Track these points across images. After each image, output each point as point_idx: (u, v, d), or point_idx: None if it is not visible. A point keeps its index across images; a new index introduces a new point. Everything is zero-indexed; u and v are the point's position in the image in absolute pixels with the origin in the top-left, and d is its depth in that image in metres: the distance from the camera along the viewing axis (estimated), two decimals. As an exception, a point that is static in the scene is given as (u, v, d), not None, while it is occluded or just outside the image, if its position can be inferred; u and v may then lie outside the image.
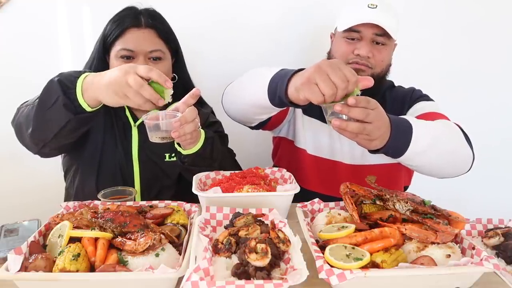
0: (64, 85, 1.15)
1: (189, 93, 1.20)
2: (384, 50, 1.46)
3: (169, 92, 1.10)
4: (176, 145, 1.31)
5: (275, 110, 1.33)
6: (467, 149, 1.29)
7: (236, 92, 1.42)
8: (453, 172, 1.33)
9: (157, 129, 1.13)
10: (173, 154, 1.47)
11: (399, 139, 1.13)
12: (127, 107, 1.48)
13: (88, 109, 1.15)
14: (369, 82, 1.04)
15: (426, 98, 1.56)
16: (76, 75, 1.16)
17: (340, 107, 1.01)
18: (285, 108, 1.39)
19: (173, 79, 1.44)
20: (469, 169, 1.34)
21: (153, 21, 1.43)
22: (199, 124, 1.21)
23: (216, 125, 1.58)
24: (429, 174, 1.32)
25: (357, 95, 1.03)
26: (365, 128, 1.03)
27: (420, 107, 1.50)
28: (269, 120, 1.47)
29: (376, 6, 1.41)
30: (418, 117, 1.39)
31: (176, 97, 1.15)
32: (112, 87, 1.06)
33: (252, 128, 1.55)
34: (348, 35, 1.45)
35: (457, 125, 1.33)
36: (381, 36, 1.43)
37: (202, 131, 1.30)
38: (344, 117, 1.04)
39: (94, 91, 1.12)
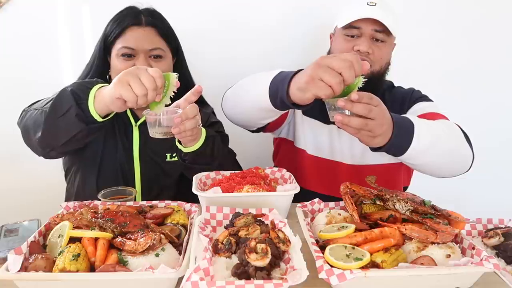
0: (76, 95, 1.16)
1: (191, 90, 1.21)
2: (383, 47, 1.47)
3: (172, 85, 1.09)
4: (177, 143, 1.31)
5: (277, 113, 1.33)
6: (467, 148, 1.30)
7: (237, 97, 1.42)
8: (453, 171, 1.33)
9: (157, 125, 1.14)
10: (174, 154, 1.47)
11: (401, 137, 1.13)
12: None
13: (99, 119, 1.17)
14: (365, 66, 1.03)
15: (426, 98, 1.57)
16: (89, 85, 1.18)
17: (344, 102, 1.01)
18: (286, 110, 1.39)
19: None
20: (469, 169, 1.35)
21: (154, 19, 1.44)
22: (200, 121, 1.21)
23: (217, 125, 1.58)
24: (429, 173, 1.32)
25: (358, 87, 1.04)
26: (367, 124, 1.03)
27: (419, 108, 1.51)
28: (269, 123, 1.47)
29: (375, 4, 1.42)
30: (418, 117, 1.40)
31: (177, 95, 1.15)
32: (120, 76, 1.06)
33: (252, 131, 1.55)
34: (348, 31, 1.46)
35: (457, 125, 1.34)
36: (381, 33, 1.43)
37: (203, 130, 1.30)
38: (347, 112, 1.04)
39: (104, 97, 1.13)
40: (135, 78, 1.04)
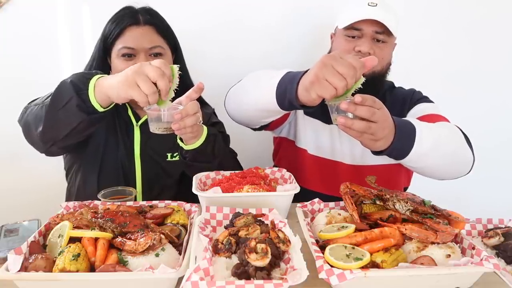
0: (76, 86, 1.16)
1: (193, 87, 1.21)
2: (384, 47, 1.46)
3: (176, 76, 1.09)
4: (178, 140, 1.31)
5: (281, 113, 1.33)
6: (468, 151, 1.30)
7: (241, 97, 1.42)
8: (454, 174, 1.33)
9: (158, 120, 1.14)
10: (175, 154, 1.48)
11: (403, 141, 1.13)
12: (130, 107, 1.49)
13: (100, 109, 1.16)
14: (373, 62, 1.04)
15: (427, 100, 1.56)
16: (88, 76, 1.18)
17: (347, 105, 1.01)
18: (293, 111, 1.39)
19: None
20: (469, 171, 1.35)
21: (151, 18, 1.45)
22: (200, 118, 1.21)
23: (218, 126, 1.58)
24: (430, 176, 1.32)
25: (361, 85, 1.03)
26: (370, 127, 1.03)
27: (420, 109, 1.51)
28: (272, 121, 1.47)
29: (376, 4, 1.42)
30: (419, 119, 1.39)
31: (176, 93, 1.15)
32: (126, 76, 1.06)
33: (254, 129, 1.55)
34: (349, 32, 1.46)
35: (457, 127, 1.33)
36: (381, 34, 1.43)
37: (205, 128, 1.30)
38: (350, 115, 1.04)
39: (104, 88, 1.12)
40: (142, 76, 1.03)
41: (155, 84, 1.03)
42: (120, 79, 1.08)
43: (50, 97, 1.20)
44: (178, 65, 1.10)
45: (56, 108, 1.17)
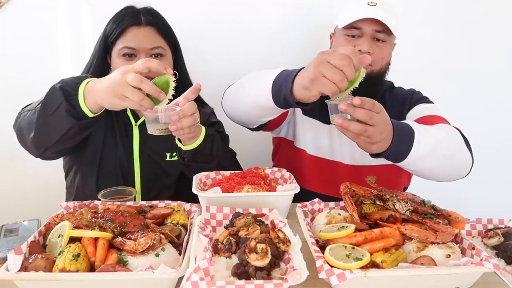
0: (66, 91, 1.15)
1: (190, 88, 1.21)
2: (384, 47, 1.46)
3: (172, 85, 1.08)
4: (176, 141, 1.31)
5: (278, 111, 1.33)
6: (467, 153, 1.29)
7: (238, 95, 1.42)
8: (453, 176, 1.33)
9: (156, 122, 1.14)
10: (174, 154, 1.48)
11: (401, 145, 1.13)
12: None
13: (90, 114, 1.16)
14: (366, 60, 1.04)
15: (426, 100, 1.56)
16: (77, 81, 1.17)
17: (345, 107, 1.01)
18: (288, 109, 1.39)
19: (174, 75, 1.44)
20: (468, 173, 1.34)
21: (153, 18, 1.45)
22: (198, 119, 1.21)
23: (217, 125, 1.58)
24: (428, 178, 1.32)
25: (359, 85, 1.04)
26: (366, 130, 1.03)
27: (420, 110, 1.50)
28: (270, 121, 1.47)
29: (376, 4, 1.42)
30: (418, 119, 1.39)
31: (175, 93, 1.15)
32: (112, 88, 1.06)
33: (252, 129, 1.55)
34: (349, 32, 1.46)
35: (457, 129, 1.33)
36: (381, 33, 1.43)
37: (203, 128, 1.30)
38: (348, 116, 1.04)
39: (95, 96, 1.12)
40: (126, 87, 1.03)
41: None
42: (108, 89, 1.06)
43: (40, 102, 1.20)
44: (174, 78, 1.09)
45: (47, 114, 1.17)
